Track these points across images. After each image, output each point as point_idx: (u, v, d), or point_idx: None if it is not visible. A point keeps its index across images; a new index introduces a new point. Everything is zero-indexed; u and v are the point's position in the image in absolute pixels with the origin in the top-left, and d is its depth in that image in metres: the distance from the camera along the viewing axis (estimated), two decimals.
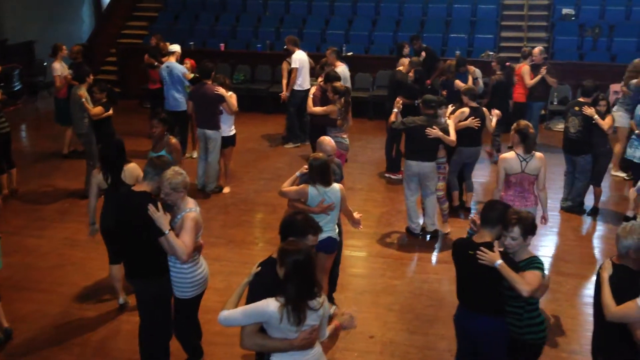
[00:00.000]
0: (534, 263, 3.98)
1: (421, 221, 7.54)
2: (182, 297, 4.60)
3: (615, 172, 9.43)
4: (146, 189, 4.56)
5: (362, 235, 7.68)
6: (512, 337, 4.08)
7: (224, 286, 6.11)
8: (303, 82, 10.71)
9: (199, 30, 14.99)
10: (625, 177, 9.24)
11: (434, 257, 7.14)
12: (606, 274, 3.74)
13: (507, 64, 10.06)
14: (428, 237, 7.44)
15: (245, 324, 3.46)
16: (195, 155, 10.38)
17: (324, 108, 7.77)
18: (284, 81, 10.86)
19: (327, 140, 5.54)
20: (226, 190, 8.91)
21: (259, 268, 3.75)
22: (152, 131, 6.65)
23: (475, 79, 9.96)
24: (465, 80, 9.61)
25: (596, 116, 7.64)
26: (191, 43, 13.97)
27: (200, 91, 8.52)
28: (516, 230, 3.95)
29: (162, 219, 4.27)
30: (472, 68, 10.11)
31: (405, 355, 5.29)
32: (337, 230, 5.40)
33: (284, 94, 10.78)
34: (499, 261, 3.88)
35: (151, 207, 4.26)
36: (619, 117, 8.89)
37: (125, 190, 4.84)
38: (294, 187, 5.29)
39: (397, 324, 5.75)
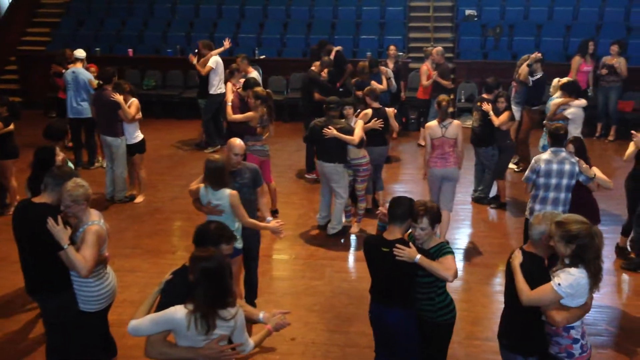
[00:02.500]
0: (445, 248, 4.15)
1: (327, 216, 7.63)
2: (86, 310, 4.42)
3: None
4: (46, 201, 4.38)
5: (281, 238, 7.67)
6: (427, 322, 4.25)
7: (140, 298, 5.87)
8: (219, 85, 10.57)
9: (105, 35, 14.51)
10: (515, 169, 9.66)
11: (352, 256, 7.23)
12: (517, 262, 3.89)
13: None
14: (343, 239, 7.53)
15: (154, 332, 3.37)
16: (105, 164, 10.05)
17: (245, 115, 7.61)
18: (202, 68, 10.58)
19: (237, 142, 5.46)
20: (138, 199, 8.68)
21: (171, 276, 3.68)
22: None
23: (388, 79, 10.20)
24: (379, 81, 9.81)
25: (490, 112, 8.00)
26: (97, 49, 13.52)
27: (100, 97, 8.39)
28: (425, 221, 4.10)
29: (61, 232, 4.08)
30: (384, 69, 10.34)
31: (326, 354, 5.33)
32: (238, 237, 5.24)
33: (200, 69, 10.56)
34: (418, 256, 4.01)
35: (50, 221, 4.07)
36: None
37: (24, 202, 4.59)
38: (195, 186, 5.26)
39: (318, 324, 5.78)
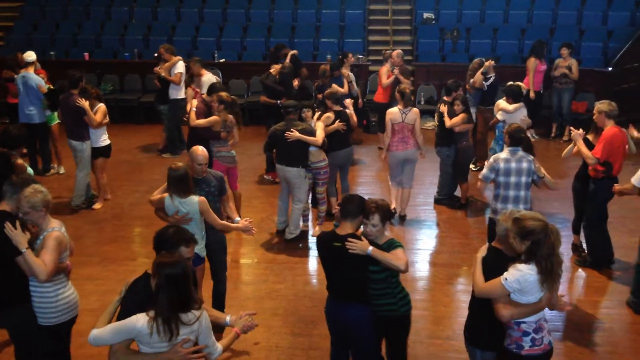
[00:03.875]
0: (395, 243, 4.27)
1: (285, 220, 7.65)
2: (45, 324, 4.29)
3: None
4: (5, 208, 4.28)
5: (244, 242, 7.65)
6: (387, 317, 4.33)
7: (99, 306, 5.78)
8: (183, 90, 10.45)
9: (60, 39, 14.20)
10: (472, 169, 9.83)
11: (314, 259, 7.24)
12: (480, 255, 4.01)
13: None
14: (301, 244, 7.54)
15: (115, 342, 3.33)
16: (62, 170, 9.86)
17: (208, 120, 7.51)
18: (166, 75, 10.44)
19: (200, 151, 5.40)
20: (97, 205, 8.54)
21: (132, 283, 3.63)
22: None
23: (350, 82, 10.24)
24: (340, 84, 9.83)
25: (445, 114, 8.18)
26: (52, 53, 13.24)
27: (66, 102, 8.29)
28: (376, 218, 4.20)
29: (19, 237, 4.00)
30: (346, 72, 10.37)
31: (290, 358, 5.32)
32: (202, 244, 5.22)
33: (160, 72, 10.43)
34: (370, 248, 4.10)
35: (7, 225, 3.99)
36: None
37: None
38: (158, 196, 5.17)
39: (281, 328, 5.77)
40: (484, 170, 6.03)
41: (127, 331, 3.30)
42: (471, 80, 9.46)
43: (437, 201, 8.70)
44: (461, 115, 8.11)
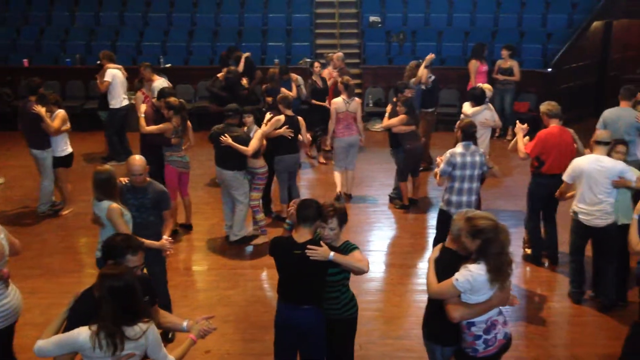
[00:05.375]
0: (351, 245, 4.31)
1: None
2: None
3: None
4: None
5: (195, 249, 7.56)
6: (332, 319, 4.34)
7: (44, 320, 5.60)
8: (120, 98, 10.30)
9: None
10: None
11: (266, 263, 7.17)
12: (433, 256, 4.06)
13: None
14: (251, 247, 7.50)
15: (59, 354, 3.27)
16: (2, 180, 9.56)
17: (159, 126, 7.41)
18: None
19: (137, 160, 5.29)
20: (64, 212, 8.43)
21: (80, 295, 3.57)
22: None
23: (298, 86, 10.24)
24: (289, 88, 9.82)
25: (386, 115, 8.42)
26: None
27: (23, 109, 8.12)
28: (334, 221, 4.23)
29: None
30: (294, 76, 10.38)
31: None
32: None
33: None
34: (332, 253, 4.08)
35: None
36: None
37: None
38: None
39: (233, 334, 5.71)
40: (442, 166, 6.16)
41: (69, 344, 3.25)
42: (412, 80, 9.57)
43: (392, 199, 8.82)
44: (399, 117, 8.24)
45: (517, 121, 7.04)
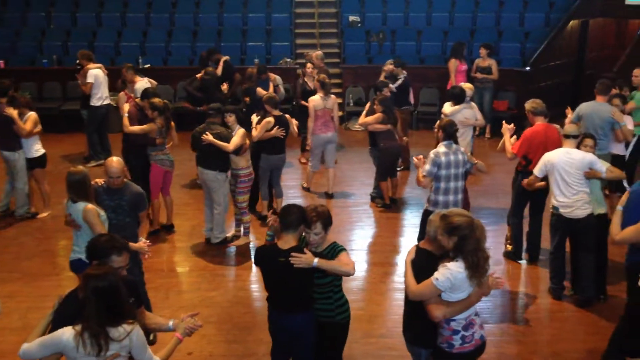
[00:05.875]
0: (337, 247, 4.27)
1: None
2: None
3: None
4: None
5: (176, 251, 7.51)
6: (325, 323, 4.30)
7: (22, 325, 5.53)
8: (101, 96, 10.24)
9: None
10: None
11: (247, 264, 7.16)
12: (409, 258, 4.03)
13: None
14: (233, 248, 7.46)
15: (43, 356, 3.25)
16: None
17: (143, 127, 7.37)
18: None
19: (114, 162, 5.24)
20: (42, 214, 8.32)
21: (65, 297, 3.55)
22: None
23: (276, 86, 10.20)
24: (266, 88, 9.76)
25: (363, 113, 8.52)
26: None
27: None
28: (319, 226, 4.18)
29: None
30: (273, 75, 10.33)
31: None
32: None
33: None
34: (316, 260, 4.04)
35: None
36: None
37: None
38: None
39: (215, 336, 5.68)
40: (427, 167, 6.12)
41: (53, 344, 3.23)
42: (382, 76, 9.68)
43: (373, 199, 8.84)
44: (375, 115, 8.28)
45: (504, 121, 7.04)
